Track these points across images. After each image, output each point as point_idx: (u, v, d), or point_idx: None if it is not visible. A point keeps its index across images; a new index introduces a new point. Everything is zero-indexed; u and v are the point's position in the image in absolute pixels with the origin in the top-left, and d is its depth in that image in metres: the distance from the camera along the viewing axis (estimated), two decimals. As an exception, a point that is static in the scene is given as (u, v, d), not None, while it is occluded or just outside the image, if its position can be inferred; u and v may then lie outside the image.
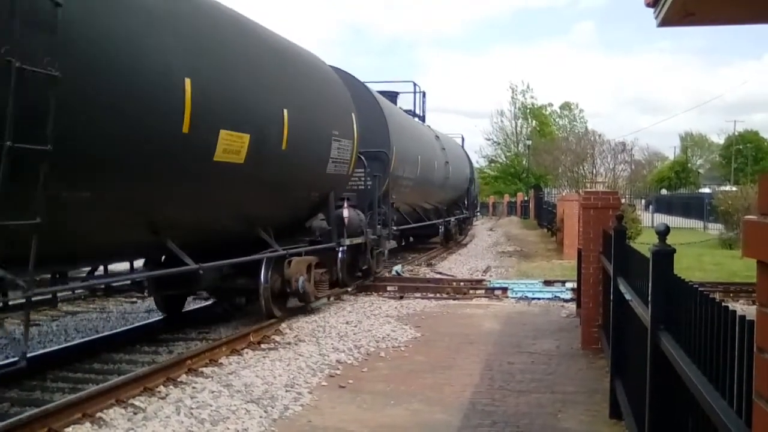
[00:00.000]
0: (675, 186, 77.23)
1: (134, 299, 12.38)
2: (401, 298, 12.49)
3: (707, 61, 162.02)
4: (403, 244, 23.48)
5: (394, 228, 14.90)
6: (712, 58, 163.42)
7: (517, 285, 13.12)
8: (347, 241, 11.40)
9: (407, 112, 20.36)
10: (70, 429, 5.48)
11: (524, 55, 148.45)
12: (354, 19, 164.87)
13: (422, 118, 22.42)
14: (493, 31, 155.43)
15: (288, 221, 10.44)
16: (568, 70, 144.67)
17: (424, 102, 22.85)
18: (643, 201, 47.98)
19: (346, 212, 11.24)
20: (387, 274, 14.99)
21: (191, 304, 11.79)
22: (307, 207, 10.71)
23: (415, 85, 21.98)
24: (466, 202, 28.67)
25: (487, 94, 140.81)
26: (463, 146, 31.83)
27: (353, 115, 11.64)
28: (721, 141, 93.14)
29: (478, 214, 41.75)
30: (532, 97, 79.29)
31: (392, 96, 19.23)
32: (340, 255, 11.55)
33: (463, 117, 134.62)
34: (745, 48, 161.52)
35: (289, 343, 8.64)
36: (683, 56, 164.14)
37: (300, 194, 10.23)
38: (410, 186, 17.07)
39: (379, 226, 13.52)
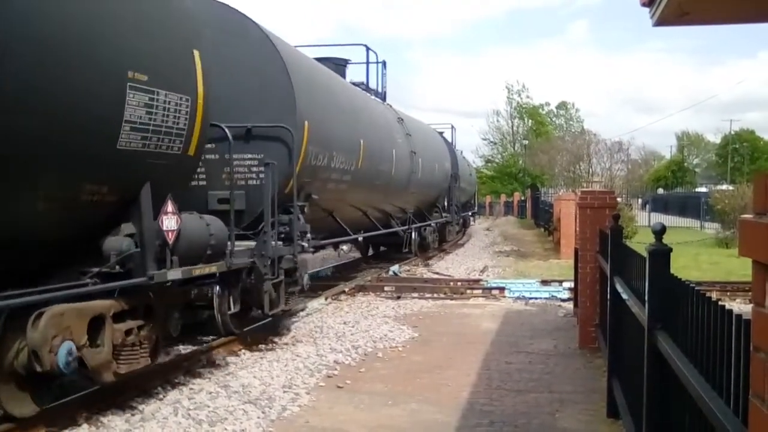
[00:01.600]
0: (672, 185, 77.40)
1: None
2: (399, 298, 12.49)
3: (702, 61, 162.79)
4: (370, 254, 20.01)
5: (307, 244, 9.18)
6: (707, 58, 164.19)
7: (514, 285, 13.14)
8: (175, 273, 6.21)
9: (357, 85, 15.23)
10: (67, 431, 5.48)
11: (520, 55, 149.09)
12: (348, 19, 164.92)
13: (382, 96, 17.15)
14: (489, 32, 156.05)
15: (44, 238, 5.53)
16: (564, 69, 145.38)
17: (383, 74, 17.37)
18: (640, 200, 48.06)
19: (167, 222, 6.16)
20: (384, 274, 14.97)
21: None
22: (94, 213, 5.80)
23: (368, 50, 16.14)
24: (446, 204, 23.17)
25: (484, 94, 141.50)
26: (452, 138, 29.24)
27: (196, 55, 6.58)
28: (718, 140, 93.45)
29: (475, 215, 39.43)
30: (527, 97, 79.57)
31: (338, 64, 14.22)
32: (216, 290, 7.48)
33: (461, 117, 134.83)
34: (740, 47, 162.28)
35: (286, 344, 8.64)
36: (678, 55, 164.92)
37: (53, 188, 5.32)
38: (347, 182, 11.74)
39: (276, 243, 8.36)
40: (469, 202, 33.74)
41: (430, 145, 20.41)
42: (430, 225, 20.58)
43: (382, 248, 20.06)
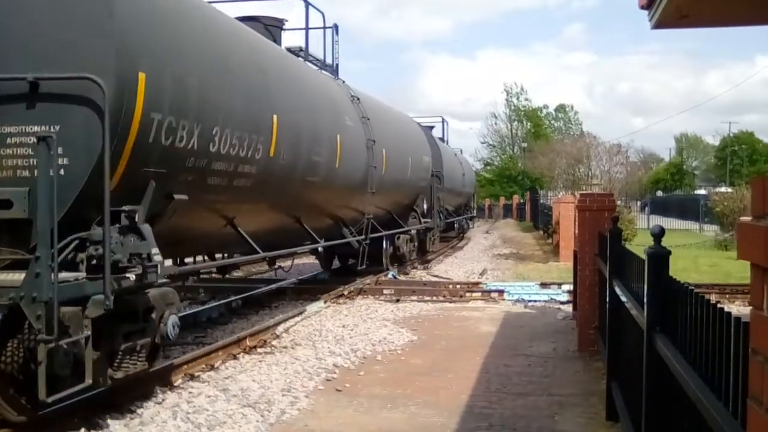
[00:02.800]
0: (671, 188, 77.46)
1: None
2: (398, 301, 12.48)
3: (698, 63, 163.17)
4: (335, 266, 16.61)
5: (134, 275, 5.55)
6: (703, 60, 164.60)
7: (513, 287, 13.13)
8: None
9: (294, 52, 11.47)
10: (66, 435, 5.42)
11: (517, 57, 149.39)
12: (344, 20, 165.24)
13: (332, 69, 13.10)
14: (485, 34, 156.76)
15: None
16: (560, 71, 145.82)
17: (334, 41, 13.16)
18: (639, 203, 48.11)
19: None
20: (383, 278, 14.97)
21: (187, 308, 11.77)
22: None
23: (307, 5, 11.82)
24: (425, 208, 18.83)
25: (482, 97, 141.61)
26: (444, 134, 26.81)
27: None
28: (716, 142, 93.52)
29: (474, 219, 36.17)
30: (526, 99, 79.70)
31: (269, 26, 10.90)
32: None
33: (459, 120, 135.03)
34: (736, 50, 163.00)
35: (285, 347, 8.63)
36: (674, 58, 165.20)
37: None
38: (252, 175, 8.03)
39: (56, 277, 4.79)
40: (465, 205, 31.65)
41: (401, 134, 16.25)
42: (407, 233, 16.90)
43: (351, 261, 15.83)
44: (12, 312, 4.96)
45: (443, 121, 28.00)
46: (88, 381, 5.18)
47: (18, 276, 4.96)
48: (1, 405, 5.11)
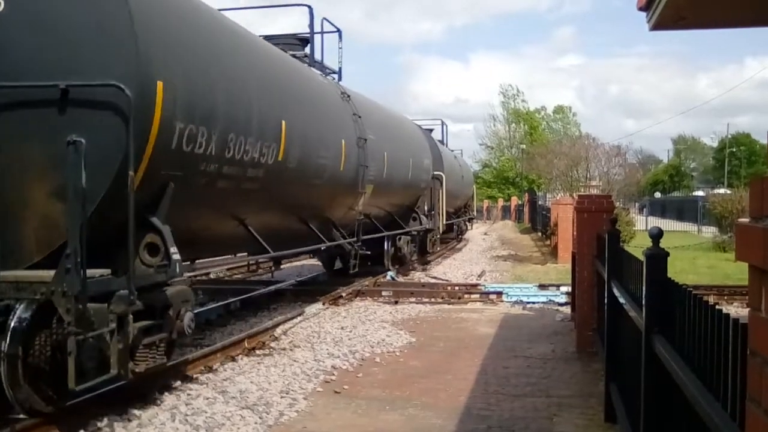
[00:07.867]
0: (669, 189, 77.60)
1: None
2: (396, 302, 12.48)
3: (687, 65, 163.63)
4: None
5: None
6: (693, 62, 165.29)
7: (511, 289, 13.13)
8: None
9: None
10: (63, 437, 5.40)
11: (507, 60, 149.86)
12: (334, 23, 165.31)
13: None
14: (476, 37, 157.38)
15: None
16: (550, 73, 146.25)
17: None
18: (637, 205, 48.17)
19: None
20: (382, 279, 14.96)
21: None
22: None
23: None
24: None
25: (473, 98, 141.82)
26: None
27: None
28: (714, 144, 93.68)
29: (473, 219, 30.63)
30: (522, 101, 79.83)
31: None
32: None
33: (449, 121, 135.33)
34: (726, 52, 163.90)
35: (284, 349, 8.62)
36: (663, 60, 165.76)
37: None
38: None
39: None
40: (428, 212, 18.85)
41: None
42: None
43: None
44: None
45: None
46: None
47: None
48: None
